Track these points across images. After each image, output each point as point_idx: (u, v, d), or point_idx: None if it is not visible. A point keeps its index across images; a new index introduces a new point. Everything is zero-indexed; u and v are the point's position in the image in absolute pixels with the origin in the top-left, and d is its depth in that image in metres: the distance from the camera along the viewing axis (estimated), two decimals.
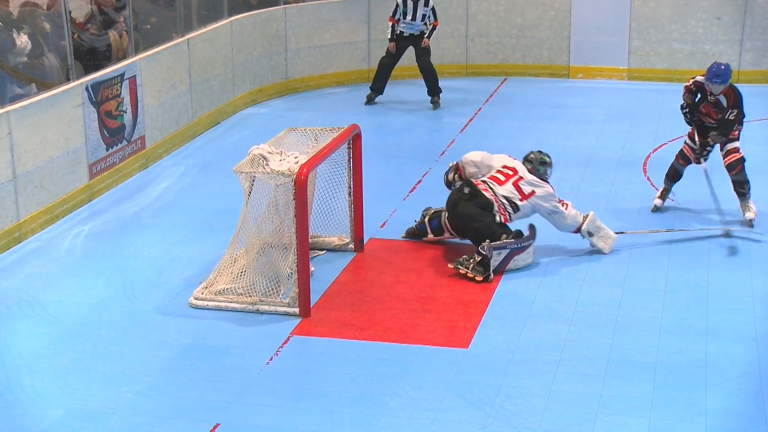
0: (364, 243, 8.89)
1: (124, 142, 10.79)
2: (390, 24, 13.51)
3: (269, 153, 7.93)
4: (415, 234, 9.05)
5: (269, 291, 7.81)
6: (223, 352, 7.08)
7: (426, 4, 13.41)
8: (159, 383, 6.65)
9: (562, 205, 8.59)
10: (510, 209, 8.46)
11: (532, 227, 8.39)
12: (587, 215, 8.65)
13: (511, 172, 8.60)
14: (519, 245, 8.24)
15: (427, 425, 6.15)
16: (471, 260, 8.15)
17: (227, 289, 7.88)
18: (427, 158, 11.40)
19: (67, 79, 9.94)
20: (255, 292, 7.81)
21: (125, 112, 10.79)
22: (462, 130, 12.58)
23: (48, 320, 7.61)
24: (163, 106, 11.62)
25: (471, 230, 8.44)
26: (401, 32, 13.48)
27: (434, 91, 13.73)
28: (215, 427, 6.16)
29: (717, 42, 14.74)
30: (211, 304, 7.77)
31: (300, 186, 7.47)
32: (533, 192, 8.52)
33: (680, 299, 7.84)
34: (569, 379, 6.68)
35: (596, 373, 6.75)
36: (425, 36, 13.47)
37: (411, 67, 15.22)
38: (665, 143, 11.79)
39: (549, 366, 6.83)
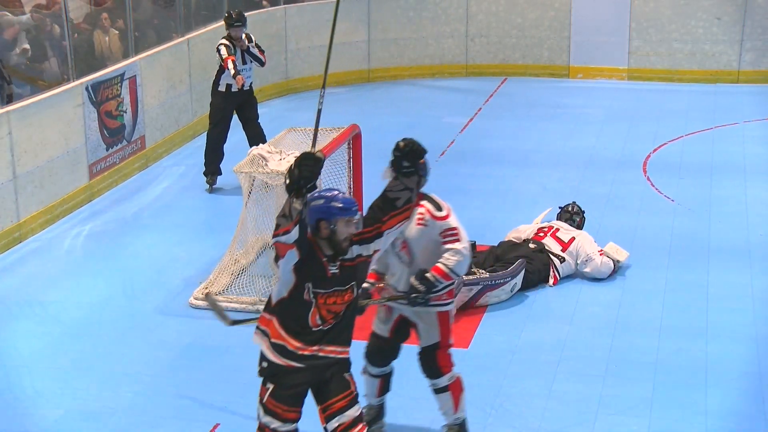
0: None
1: (124, 142, 10.78)
2: (230, 61, 10.08)
3: (269, 153, 7.94)
4: None
5: (269, 291, 7.80)
6: (223, 352, 7.07)
7: (250, 40, 10.44)
8: (159, 383, 6.65)
9: (600, 254, 8.19)
10: (557, 262, 8.12)
11: (521, 262, 7.89)
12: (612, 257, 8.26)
13: (546, 228, 8.42)
14: (493, 282, 7.68)
15: (427, 425, 6.14)
16: None
17: (227, 289, 7.87)
18: (427, 158, 11.37)
19: (67, 79, 9.94)
20: (255, 292, 7.81)
21: (125, 112, 10.79)
22: (462, 130, 12.58)
23: (48, 320, 7.61)
24: (163, 106, 11.62)
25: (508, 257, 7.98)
26: (228, 85, 10.25)
27: None
28: (215, 427, 6.16)
29: (717, 42, 14.73)
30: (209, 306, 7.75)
31: None
32: (573, 238, 8.24)
33: (680, 299, 7.84)
34: (569, 379, 6.68)
35: (596, 373, 6.75)
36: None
37: (411, 66, 15.26)
38: (665, 143, 11.80)
39: (549, 366, 6.83)
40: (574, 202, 8.84)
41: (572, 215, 8.68)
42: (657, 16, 14.83)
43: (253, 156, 7.92)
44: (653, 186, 10.40)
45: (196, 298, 7.80)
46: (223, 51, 10.13)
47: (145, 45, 11.48)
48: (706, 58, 14.79)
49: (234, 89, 10.19)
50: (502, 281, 7.73)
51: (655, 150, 11.60)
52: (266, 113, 13.44)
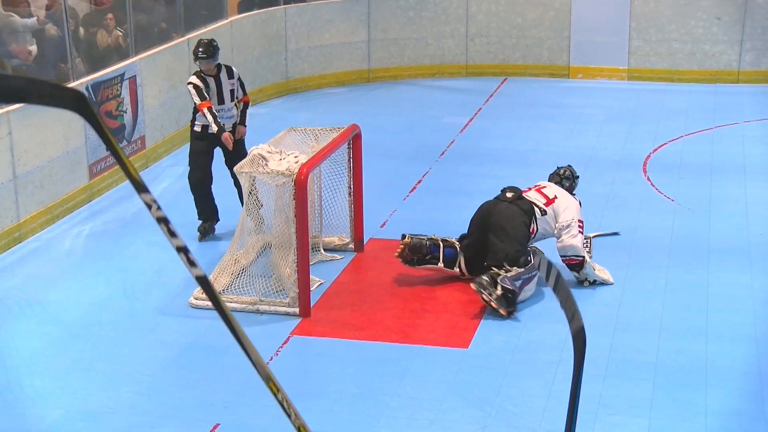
0: (364, 243, 8.89)
1: (124, 142, 10.79)
2: (206, 109, 8.72)
3: (269, 153, 7.94)
4: (419, 250, 8.06)
5: (269, 291, 7.81)
6: (223, 352, 7.07)
7: (231, 75, 9.08)
8: (159, 383, 6.65)
9: (579, 227, 8.09)
10: (538, 214, 8.01)
11: (535, 253, 7.88)
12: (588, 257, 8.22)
13: (534, 186, 8.33)
14: (529, 275, 7.68)
15: (427, 425, 6.15)
16: (495, 289, 7.50)
17: (227, 289, 7.88)
18: (427, 158, 11.40)
19: (67, 79, 9.95)
20: (255, 292, 7.81)
21: (125, 112, 10.79)
22: (462, 130, 12.58)
23: (48, 320, 7.61)
24: (163, 106, 11.62)
25: (501, 231, 7.87)
26: (204, 126, 8.89)
27: None
28: (215, 427, 6.16)
29: (717, 42, 14.74)
30: (211, 304, 7.74)
31: (300, 186, 7.46)
32: (556, 197, 8.15)
33: (680, 299, 7.84)
34: (569, 379, 6.62)
35: (596, 373, 6.75)
36: (239, 123, 9.11)
37: (411, 66, 15.25)
38: (665, 143, 11.79)
39: (549, 366, 6.83)
40: (569, 166, 8.64)
41: (562, 179, 8.46)
42: (657, 16, 14.83)
43: (253, 156, 7.92)
44: (653, 186, 10.40)
45: (196, 298, 7.81)
46: (194, 96, 8.79)
47: (145, 45, 11.49)
48: (706, 58, 14.79)
49: (210, 131, 8.81)
50: (534, 273, 7.66)
51: (655, 150, 11.60)
52: (266, 113, 13.49)
